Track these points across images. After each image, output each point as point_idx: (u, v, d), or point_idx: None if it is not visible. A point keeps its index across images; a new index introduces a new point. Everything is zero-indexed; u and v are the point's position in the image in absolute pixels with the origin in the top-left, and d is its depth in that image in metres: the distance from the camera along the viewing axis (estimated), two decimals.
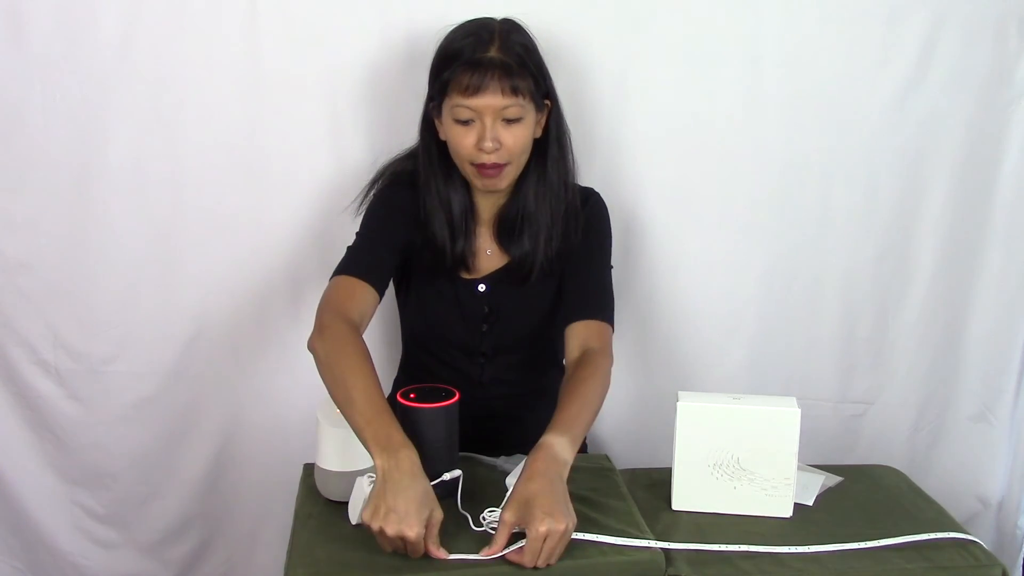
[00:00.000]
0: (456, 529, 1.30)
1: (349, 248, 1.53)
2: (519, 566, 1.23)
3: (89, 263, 1.75)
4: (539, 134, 1.53)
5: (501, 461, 1.50)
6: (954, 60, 1.79)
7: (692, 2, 1.75)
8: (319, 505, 1.38)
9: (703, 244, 1.86)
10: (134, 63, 1.66)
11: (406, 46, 1.68)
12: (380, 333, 1.83)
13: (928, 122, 1.83)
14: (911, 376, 1.96)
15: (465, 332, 1.61)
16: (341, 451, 1.35)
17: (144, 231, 1.74)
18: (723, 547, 1.31)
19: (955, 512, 1.48)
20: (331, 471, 1.37)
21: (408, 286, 1.64)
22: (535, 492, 1.24)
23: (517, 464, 1.43)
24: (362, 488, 1.28)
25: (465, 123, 1.46)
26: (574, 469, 1.32)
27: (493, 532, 1.28)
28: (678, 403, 1.40)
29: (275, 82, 1.70)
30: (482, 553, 1.24)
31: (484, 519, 1.31)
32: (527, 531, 1.22)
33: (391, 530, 1.18)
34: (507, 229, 1.58)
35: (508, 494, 1.29)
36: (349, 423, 1.29)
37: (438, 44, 1.49)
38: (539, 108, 1.51)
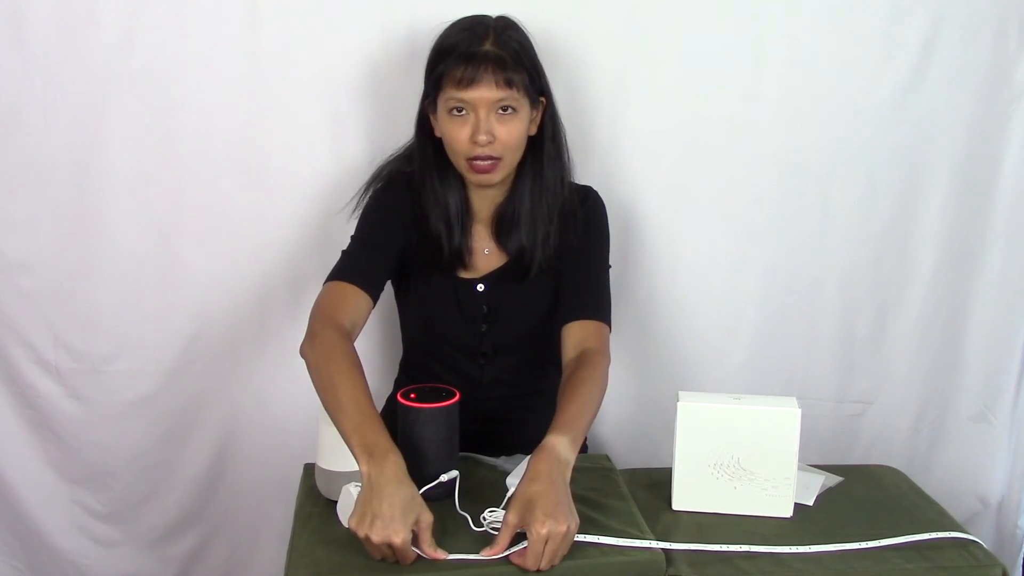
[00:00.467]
0: (456, 529, 1.30)
1: (343, 252, 1.54)
2: (521, 567, 1.23)
3: (89, 263, 1.75)
4: (534, 131, 1.54)
5: (501, 461, 1.50)
6: (954, 60, 1.79)
7: (692, 1, 1.75)
8: (319, 505, 1.38)
9: (703, 244, 1.86)
10: (134, 63, 1.66)
11: (406, 45, 1.68)
12: (380, 333, 1.83)
13: (928, 121, 1.83)
14: (911, 376, 1.96)
15: (465, 332, 1.61)
16: (341, 451, 1.34)
17: (144, 231, 1.74)
18: (724, 547, 1.31)
19: (955, 512, 1.48)
20: (331, 471, 1.37)
21: (407, 287, 1.64)
22: (537, 493, 1.24)
23: (517, 464, 1.43)
24: (349, 494, 1.28)
25: (459, 116, 1.46)
26: (575, 469, 1.32)
27: (493, 532, 1.28)
28: (678, 403, 1.40)
29: (275, 82, 1.70)
30: (483, 553, 1.24)
31: (484, 519, 1.31)
32: (528, 533, 1.22)
33: (376, 537, 1.18)
34: (504, 227, 1.58)
35: (510, 495, 1.29)
36: (338, 430, 1.29)
37: (433, 41, 1.50)
38: (534, 103, 1.51)
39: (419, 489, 1.25)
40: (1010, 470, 1.99)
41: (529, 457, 1.31)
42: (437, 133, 1.52)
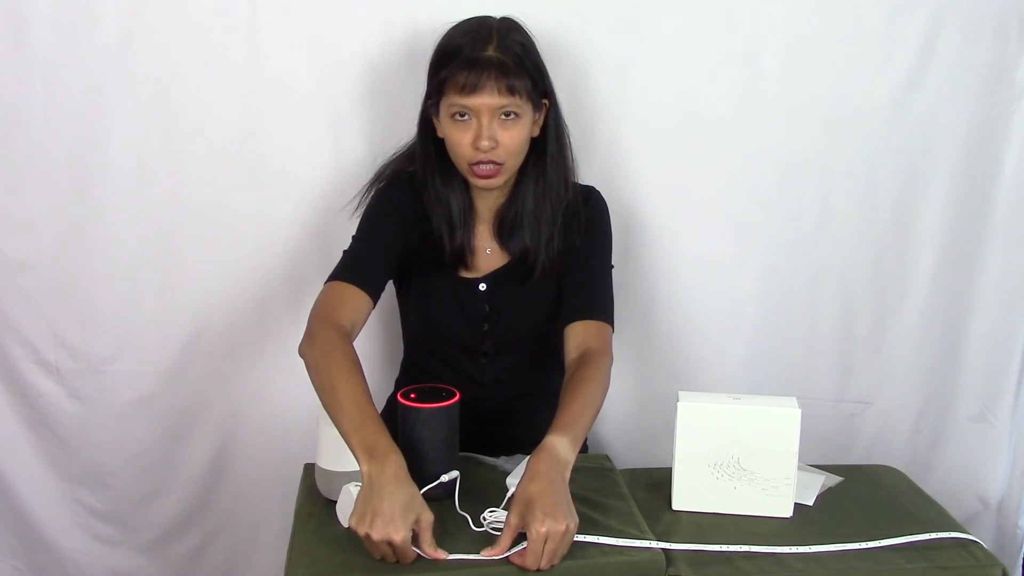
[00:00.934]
0: (456, 529, 1.30)
1: (344, 252, 1.54)
2: (521, 567, 1.22)
3: (89, 263, 1.75)
4: (537, 133, 1.53)
5: (502, 461, 1.50)
6: (954, 60, 1.79)
7: (692, 1, 1.75)
8: (319, 505, 1.38)
9: (703, 243, 1.86)
10: (135, 63, 1.66)
11: (406, 45, 1.68)
12: (381, 333, 1.83)
13: (928, 122, 1.83)
14: (911, 376, 1.96)
15: (466, 331, 1.61)
16: (341, 451, 1.34)
17: (144, 231, 1.74)
18: (724, 547, 1.31)
19: (955, 512, 1.48)
20: (331, 471, 1.37)
21: (409, 286, 1.64)
22: (536, 493, 1.24)
23: (517, 464, 1.43)
24: (349, 494, 1.28)
25: (462, 121, 1.46)
26: (575, 470, 1.32)
27: (493, 532, 1.28)
28: (678, 403, 1.40)
29: (275, 82, 1.70)
30: (484, 554, 1.24)
31: (484, 519, 1.31)
32: (527, 532, 1.22)
33: (377, 535, 1.18)
34: (507, 228, 1.58)
35: (510, 495, 1.29)
36: (338, 429, 1.29)
37: (436, 42, 1.49)
38: (537, 107, 1.51)
39: (419, 489, 1.25)
40: (1010, 470, 1.99)
41: (529, 457, 1.32)
42: (440, 134, 1.52)
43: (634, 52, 1.76)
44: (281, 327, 1.80)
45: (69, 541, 1.88)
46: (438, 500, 1.31)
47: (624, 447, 1.90)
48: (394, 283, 1.66)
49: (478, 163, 1.47)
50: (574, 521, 1.24)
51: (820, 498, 1.48)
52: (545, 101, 1.53)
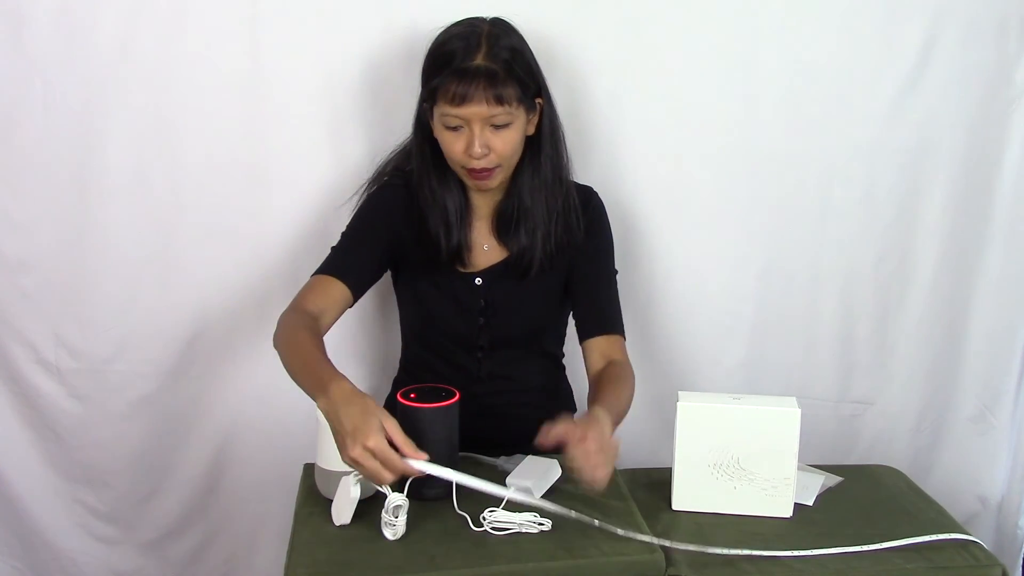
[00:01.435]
0: (456, 529, 1.30)
1: (332, 248, 1.57)
2: (521, 566, 1.22)
3: (89, 263, 1.75)
4: (532, 131, 1.54)
5: (502, 461, 1.50)
6: (954, 60, 1.79)
7: (692, 1, 1.75)
8: (319, 505, 1.38)
9: (703, 243, 1.86)
10: (134, 63, 1.66)
11: (406, 46, 1.68)
12: (380, 333, 1.84)
13: (928, 122, 1.83)
14: (911, 377, 1.96)
15: (462, 325, 1.62)
16: None
17: (144, 231, 1.74)
18: (725, 551, 1.30)
19: (955, 512, 1.48)
20: (331, 471, 1.37)
21: (406, 282, 1.64)
22: (591, 420, 1.34)
23: (517, 464, 1.43)
24: (347, 488, 1.28)
25: (454, 129, 1.47)
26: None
27: (494, 532, 1.29)
28: (678, 403, 1.41)
29: (275, 82, 1.70)
30: (540, 439, 1.31)
31: (484, 519, 1.31)
32: (571, 445, 1.28)
33: (353, 452, 1.20)
34: (505, 225, 1.59)
35: (509, 495, 1.29)
36: (298, 385, 1.33)
37: (428, 45, 1.50)
38: (530, 109, 1.51)
39: (415, 486, 1.26)
40: (1010, 470, 1.99)
41: (528, 456, 1.34)
42: (435, 135, 1.53)
43: (633, 52, 1.76)
44: None
45: (69, 541, 1.88)
46: (438, 500, 1.31)
47: (624, 447, 1.88)
48: (392, 280, 1.67)
49: (472, 168, 1.49)
50: (617, 444, 1.32)
51: (820, 498, 1.48)
52: (539, 101, 1.53)
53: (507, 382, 1.66)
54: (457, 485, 1.34)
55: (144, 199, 1.73)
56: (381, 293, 1.76)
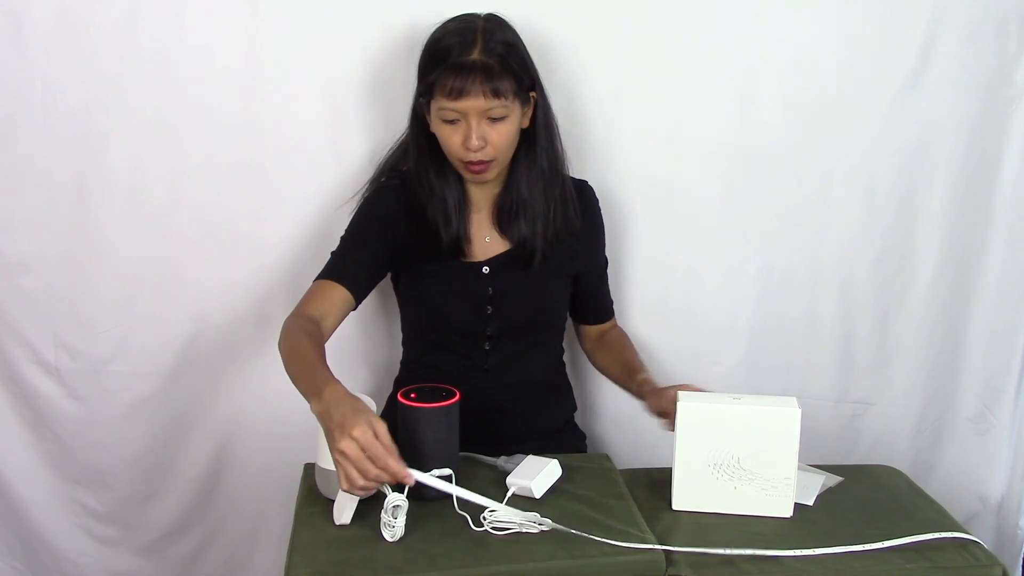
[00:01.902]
0: (456, 529, 1.30)
1: (332, 253, 1.58)
2: (521, 566, 1.22)
3: (89, 263, 1.75)
4: (527, 125, 1.56)
5: (502, 461, 1.50)
6: (954, 60, 1.79)
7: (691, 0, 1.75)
8: (319, 505, 1.38)
9: (701, 243, 1.86)
10: (134, 63, 1.66)
11: (406, 45, 1.67)
12: (380, 333, 1.84)
13: (928, 122, 1.83)
14: (912, 377, 1.95)
15: (470, 314, 1.62)
16: None
17: (144, 231, 1.74)
18: (724, 550, 1.30)
19: (955, 512, 1.48)
20: (331, 471, 1.36)
21: (407, 279, 1.65)
22: (666, 392, 1.48)
23: (517, 464, 1.43)
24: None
25: (452, 123, 1.49)
26: (573, 469, 1.32)
27: (494, 532, 1.28)
28: (678, 403, 1.40)
29: (275, 82, 1.70)
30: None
31: (484, 519, 1.31)
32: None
33: (341, 444, 1.20)
34: (505, 217, 1.61)
35: (509, 495, 1.29)
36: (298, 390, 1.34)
37: (424, 41, 1.51)
38: (525, 102, 1.53)
39: (416, 486, 1.25)
40: (1010, 470, 1.98)
41: (528, 456, 1.34)
42: (432, 129, 1.54)
43: (631, 50, 1.76)
44: (281, 327, 1.79)
45: (68, 541, 1.88)
46: (437, 500, 1.31)
47: (624, 447, 1.90)
48: (391, 279, 1.67)
49: (469, 161, 1.50)
50: None
51: (820, 498, 1.48)
52: (532, 94, 1.54)
53: (512, 374, 1.66)
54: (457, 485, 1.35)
55: (144, 199, 1.73)
56: (382, 295, 1.76)
